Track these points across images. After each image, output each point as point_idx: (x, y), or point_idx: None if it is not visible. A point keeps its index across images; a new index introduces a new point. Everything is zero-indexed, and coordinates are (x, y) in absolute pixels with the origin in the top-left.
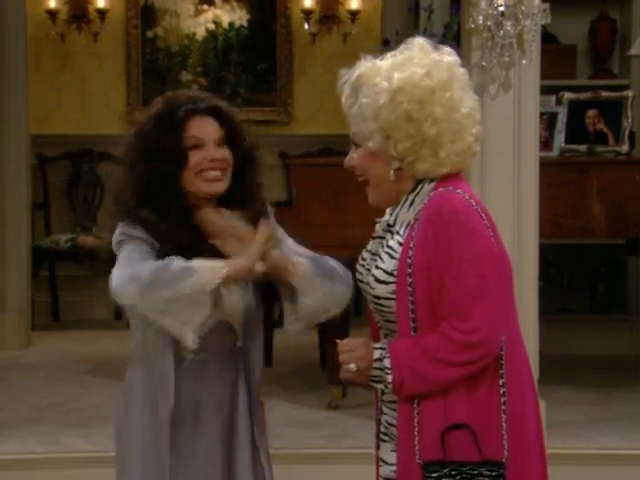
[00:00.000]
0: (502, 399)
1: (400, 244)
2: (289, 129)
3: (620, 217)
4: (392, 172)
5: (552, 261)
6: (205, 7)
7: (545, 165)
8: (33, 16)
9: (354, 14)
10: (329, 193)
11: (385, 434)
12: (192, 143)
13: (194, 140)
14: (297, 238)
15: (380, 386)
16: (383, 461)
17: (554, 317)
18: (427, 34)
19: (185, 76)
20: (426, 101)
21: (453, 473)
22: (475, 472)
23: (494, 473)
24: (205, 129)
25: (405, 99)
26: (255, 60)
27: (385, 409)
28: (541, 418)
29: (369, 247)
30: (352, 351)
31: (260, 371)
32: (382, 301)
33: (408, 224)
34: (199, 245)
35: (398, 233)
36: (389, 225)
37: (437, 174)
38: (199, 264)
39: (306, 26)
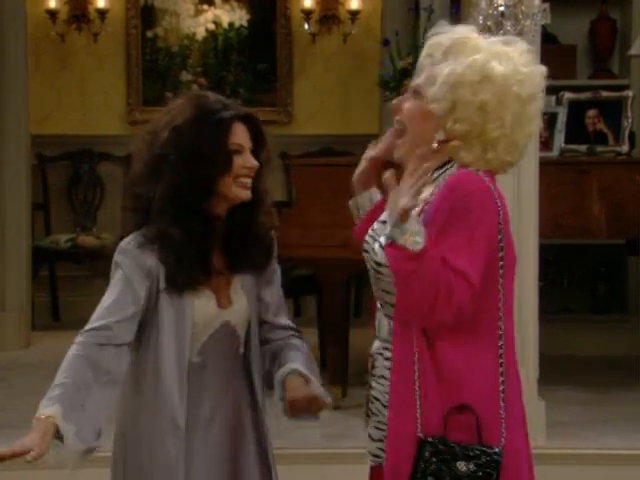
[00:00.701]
0: (501, 387)
1: None
2: (289, 129)
3: (620, 217)
4: (435, 142)
5: (552, 261)
6: (205, 7)
7: (545, 165)
8: (33, 16)
9: (354, 14)
10: (329, 193)
11: (370, 410)
12: (235, 149)
13: (237, 146)
14: (297, 238)
15: (397, 233)
16: (370, 437)
17: (554, 317)
18: (427, 34)
19: (185, 76)
20: (506, 105)
21: (451, 451)
22: (472, 454)
23: (488, 459)
24: (244, 135)
25: (489, 90)
26: (255, 60)
27: (373, 383)
28: (526, 417)
29: (381, 217)
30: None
31: (261, 378)
32: (382, 268)
33: (425, 201)
34: (206, 264)
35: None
36: None
37: (474, 168)
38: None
39: (306, 26)
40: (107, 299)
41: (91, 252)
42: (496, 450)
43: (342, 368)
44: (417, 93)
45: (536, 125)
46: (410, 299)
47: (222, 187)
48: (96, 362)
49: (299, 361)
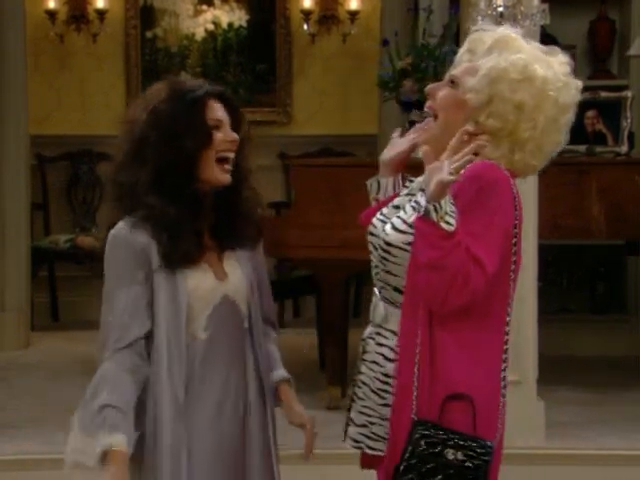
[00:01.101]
0: (502, 383)
1: None
2: (288, 129)
3: (619, 218)
4: (466, 134)
5: (551, 261)
6: (204, 8)
7: (544, 165)
8: (32, 16)
9: (353, 14)
10: (328, 194)
11: (355, 394)
12: (214, 124)
13: (215, 122)
14: (296, 239)
15: (433, 214)
16: (352, 421)
17: (553, 317)
18: (426, 35)
19: (184, 76)
20: (541, 108)
21: (443, 437)
22: (464, 444)
23: (480, 451)
24: (221, 111)
25: (527, 91)
26: (254, 60)
27: (363, 368)
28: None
29: (394, 202)
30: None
31: (265, 358)
32: (392, 249)
33: None
34: (199, 241)
35: None
36: (423, 189)
37: (498, 164)
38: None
39: (305, 26)
40: (120, 305)
41: (90, 252)
42: (488, 443)
43: (341, 368)
44: (454, 83)
45: (564, 136)
46: (428, 282)
47: (204, 166)
48: (137, 373)
49: (279, 360)
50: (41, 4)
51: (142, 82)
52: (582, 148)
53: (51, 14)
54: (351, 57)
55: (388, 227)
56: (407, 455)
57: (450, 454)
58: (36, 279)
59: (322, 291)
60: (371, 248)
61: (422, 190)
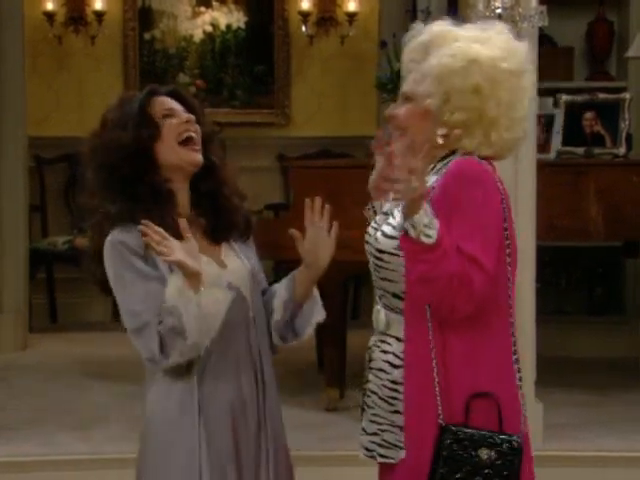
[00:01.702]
0: (517, 375)
1: None
2: (287, 131)
3: (617, 219)
4: (440, 138)
5: (549, 262)
6: (202, 9)
7: (542, 167)
8: (30, 18)
9: (351, 16)
10: (327, 195)
11: (365, 403)
12: (163, 114)
13: (165, 111)
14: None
15: (412, 231)
16: (364, 430)
17: (551, 319)
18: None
19: (182, 78)
20: (498, 82)
21: (474, 438)
22: (495, 441)
23: (510, 446)
24: (171, 103)
25: (478, 72)
26: (253, 62)
27: (370, 376)
28: None
29: (384, 209)
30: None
31: (269, 348)
32: (384, 255)
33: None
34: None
35: None
36: None
37: (479, 154)
38: (175, 302)
39: (303, 28)
40: (131, 302)
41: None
42: (516, 438)
43: (340, 370)
44: (408, 98)
45: (531, 97)
46: (426, 295)
47: (164, 155)
48: None
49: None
50: (39, 5)
51: (140, 84)
52: (580, 150)
53: (49, 15)
54: (349, 59)
55: (379, 234)
56: (441, 462)
57: (484, 454)
58: (34, 281)
59: (320, 292)
60: (368, 256)
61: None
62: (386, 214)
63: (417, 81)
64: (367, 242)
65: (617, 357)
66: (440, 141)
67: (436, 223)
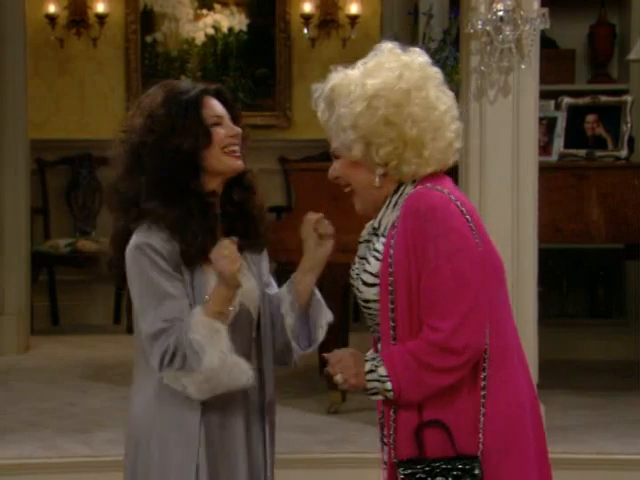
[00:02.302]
0: (482, 400)
1: (384, 245)
2: (288, 134)
3: (619, 222)
4: (377, 179)
5: (551, 266)
6: (204, 12)
7: (544, 170)
8: (32, 21)
9: (353, 19)
10: (329, 197)
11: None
12: (214, 121)
13: (215, 118)
14: (296, 242)
15: (378, 397)
16: (385, 463)
17: (553, 322)
18: (426, 39)
19: (184, 80)
20: (403, 103)
21: (427, 469)
22: (449, 466)
23: (467, 467)
24: (219, 107)
25: (381, 104)
26: (254, 65)
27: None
28: (541, 424)
29: (359, 252)
30: (339, 361)
31: (272, 371)
32: (370, 304)
33: (392, 225)
34: (212, 236)
35: (383, 235)
36: (374, 228)
37: (423, 174)
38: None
39: (305, 31)
40: (155, 305)
41: (90, 257)
42: (474, 457)
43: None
44: (336, 156)
45: (447, 97)
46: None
47: (209, 161)
48: None
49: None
50: (41, 8)
51: (142, 86)
52: (582, 152)
53: (51, 18)
54: (351, 61)
55: (360, 284)
56: None
57: None
58: (36, 283)
59: (322, 295)
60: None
61: (375, 234)
62: (362, 258)
63: (335, 137)
64: (353, 286)
65: (619, 360)
66: (377, 183)
67: (382, 371)
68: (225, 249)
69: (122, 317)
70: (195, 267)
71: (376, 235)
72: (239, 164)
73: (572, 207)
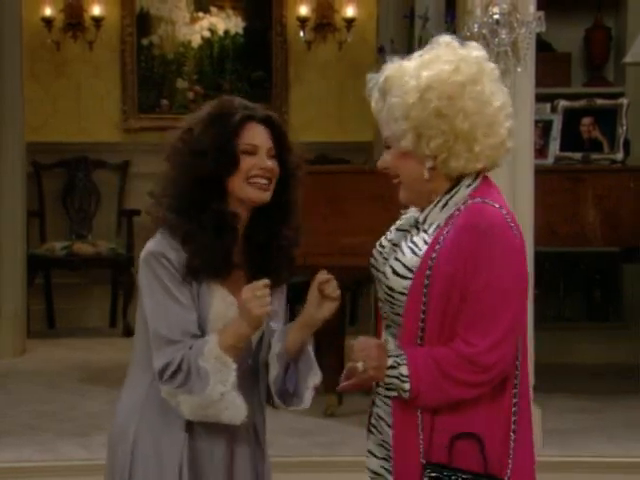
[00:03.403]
0: (513, 418)
1: (425, 243)
2: None
3: (615, 224)
4: (426, 171)
5: (548, 269)
6: (201, 15)
7: (540, 173)
8: (29, 24)
9: (349, 22)
10: (325, 201)
11: (374, 426)
12: (247, 149)
13: (249, 147)
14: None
15: (393, 393)
16: (372, 453)
17: (550, 325)
18: (422, 42)
19: (180, 84)
20: (456, 96)
21: (453, 478)
22: None
23: None
24: (260, 137)
25: (434, 96)
26: (251, 68)
27: (378, 402)
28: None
29: (390, 236)
30: (364, 350)
31: (264, 403)
32: (395, 294)
33: (438, 226)
34: (230, 258)
35: (425, 231)
36: (417, 221)
37: (472, 170)
38: (212, 368)
39: (301, 34)
40: (171, 309)
41: (86, 260)
42: None
43: (338, 376)
44: (387, 146)
45: (502, 93)
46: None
47: (233, 187)
48: None
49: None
50: (37, 11)
51: (138, 89)
52: (578, 155)
53: (47, 21)
54: (347, 64)
55: (389, 270)
56: None
57: None
58: (32, 286)
59: None
60: (375, 280)
61: (416, 227)
62: (394, 244)
63: (386, 127)
64: (372, 265)
65: (616, 362)
66: (427, 176)
67: (404, 370)
68: (258, 290)
69: (118, 320)
70: (201, 283)
71: (417, 228)
72: (263, 196)
73: (568, 210)
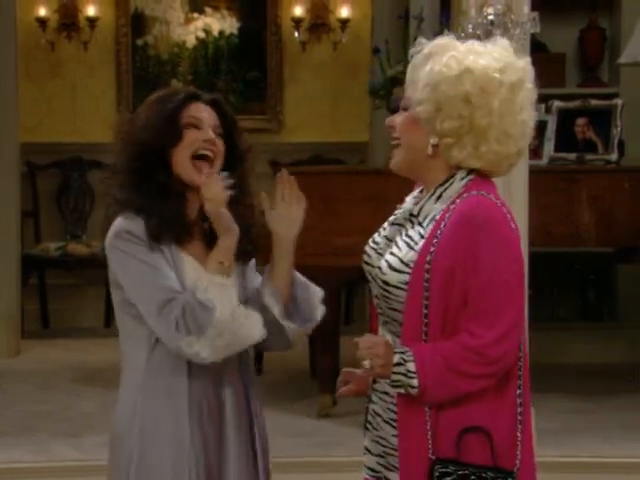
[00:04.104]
0: (519, 409)
1: (421, 236)
2: (279, 137)
3: (609, 225)
4: (430, 146)
5: (542, 269)
6: (195, 15)
7: (534, 173)
8: (23, 24)
9: (344, 22)
10: (319, 201)
11: (370, 423)
12: (190, 122)
13: (192, 120)
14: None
15: (400, 390)
16: (368, 450)
17: (544, 325)
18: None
19: (175, 84)
20: (489, 91)
21: (462, 473)
22: (485, 476)
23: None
24: (205, 113)
25: (470, 81)
26: (245, 68)
27: (375, 398)
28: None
29: (385, 232)
30: (371, 347)
31: (256, 382)
32: (391, 289)
33: (433, 218)
34: (185, 221)
35: (420, 225)
36: (412, 215)
37: (469, 166)
38: (213, 293)
39: (296, 34)
40: (152, 280)
41: (81, 260)
42: (510, 472)
43: (332, 376)
44: (405, 107)
45: (529, 115)
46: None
47: (176, 163)
48: None
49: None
50: (32, 11)
51: (133, 90)
52: (572, 156)
53: (42, 21)
54: (342, 65)
55: (384, 265)
56: None
57: None
58: (26, 287)
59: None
60: (369, 277)
61: (411, 221)
62: (389, 240)
63: (413, 89)
64: (367, 263)
65: (610, 363)
66: (429, 151)
67: (411, 366)
68: (208, 191)
69: (113, 320)
70: (171, 251)
71: (411, 222)
72: (197, 178)
73: (562, 211)
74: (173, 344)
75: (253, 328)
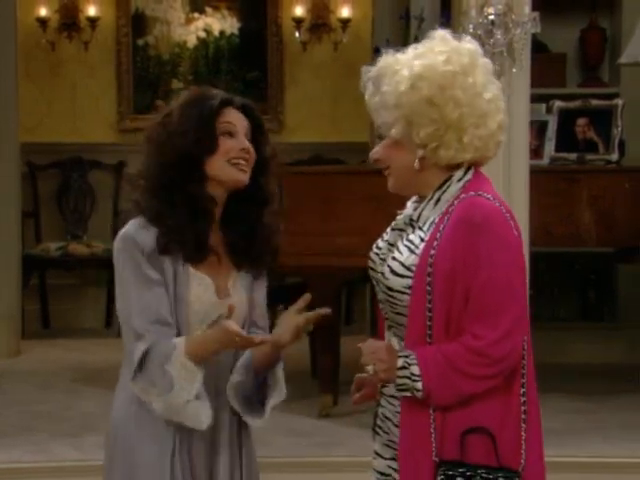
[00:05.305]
0: (522, 408)
1: (422, 240)
2: (280, 137)
3: (610, 225)
4: (417, 161)
5: (542, 269)
6: (196, 15)
7: (535, 173)
8: (23, 24)
9: (345, 22)
10: (319, 201)
11: (380, 427)
12: (226, 129)
13: (228, 127)
14: (287, 246)
15: (406, 393)
16: (378, 454)
17: (544, 325)
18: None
19: (176, 84)
20: (447, 86)
21: (468, 474)
22: (490, 476)
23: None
24: (239, 122)
25: (425, 85)
26: (246, 68)
27: (383, 402)
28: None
29: (386, 237)
30: (374, 353)
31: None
32: (395, 293)
33: (432, 222)
34: (203, 242)
35: (421, 229)
36: (412, 219)
37: (461, 160)
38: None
39: (297, 34)
40: (138, 298)
41: (81, 260)
42: (515, 472)
43: (333, 376)
44: (380, 136)
45: (494, 88)
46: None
47: (212, 169)
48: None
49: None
50: (32, 11)
51: (134, 90)
52: (573, 156)
53: (42, 22)
54: (342, 65)
55: (387, 270)
56: None
57: None
58: (27, 287)
59: (314, 298)
60: (374, 283)
61: (411, 225)
62: (390, 244)
63: (378, 116)
64: (374, 270)
65: (610, 363)
66: (417, 166)
67: (415, 370)
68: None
69: (113, 321)
70: (178, 265)
71: (412, 226)
72: (242, 177)
73: (563, 211)
74: (132, 382)
75: (199, 422)
